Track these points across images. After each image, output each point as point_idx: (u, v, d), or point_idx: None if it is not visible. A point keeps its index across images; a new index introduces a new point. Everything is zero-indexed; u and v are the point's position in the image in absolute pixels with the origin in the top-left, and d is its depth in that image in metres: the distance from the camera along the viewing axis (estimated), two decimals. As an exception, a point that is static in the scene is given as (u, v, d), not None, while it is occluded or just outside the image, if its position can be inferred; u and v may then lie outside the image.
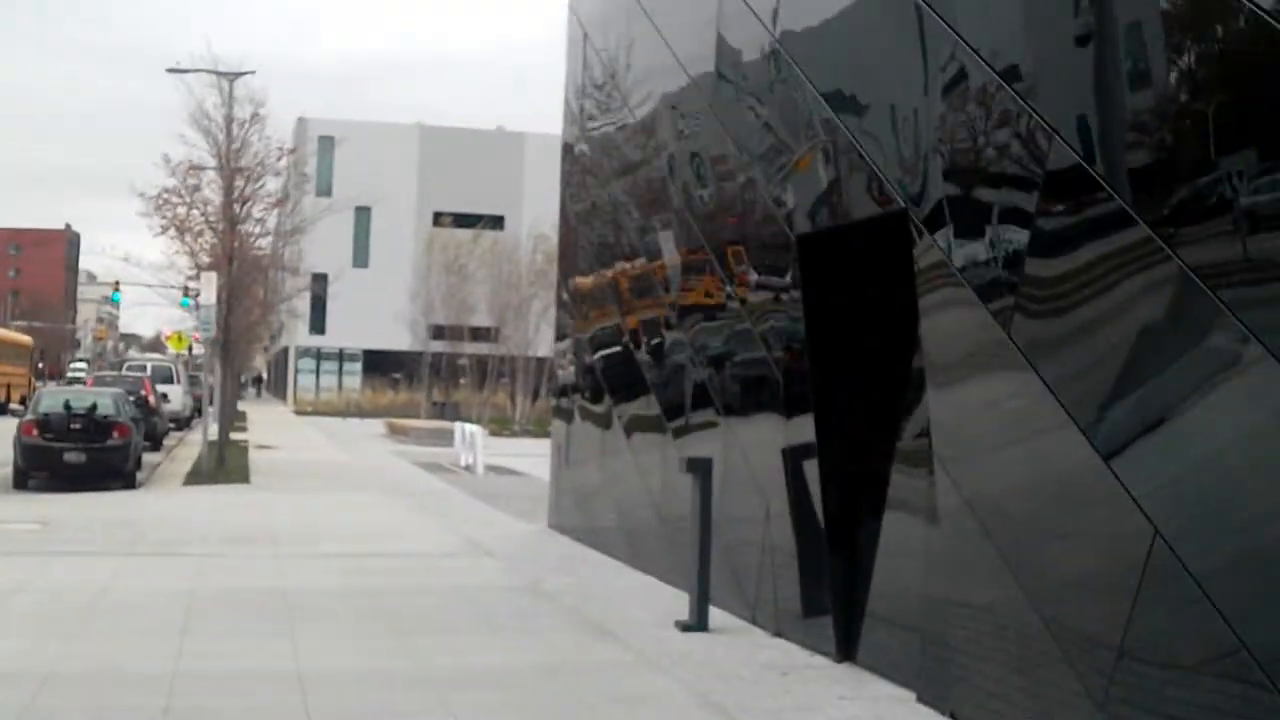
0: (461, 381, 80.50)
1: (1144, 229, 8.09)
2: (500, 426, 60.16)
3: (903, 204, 11.17)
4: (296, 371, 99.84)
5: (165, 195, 38.82)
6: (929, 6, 10.74)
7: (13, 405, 66.65)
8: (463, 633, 13.67)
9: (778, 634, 13.46)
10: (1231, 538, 7.55)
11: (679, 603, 14.29)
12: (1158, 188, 8.15)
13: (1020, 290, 9.39)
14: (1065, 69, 9.20)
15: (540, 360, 66.46)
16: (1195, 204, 7.78)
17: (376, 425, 64.89)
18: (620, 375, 19.53)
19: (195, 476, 33.55)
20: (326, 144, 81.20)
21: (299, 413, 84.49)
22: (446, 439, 46.34)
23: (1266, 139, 7.33)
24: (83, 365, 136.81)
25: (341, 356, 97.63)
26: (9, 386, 73.11)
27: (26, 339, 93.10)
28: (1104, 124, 8.81)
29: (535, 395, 68.89)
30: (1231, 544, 7.55)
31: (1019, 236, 9.46)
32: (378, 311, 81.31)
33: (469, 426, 42.10)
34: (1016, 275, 9.46)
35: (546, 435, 47.99)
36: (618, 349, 19.77)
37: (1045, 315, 9.23)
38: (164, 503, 27.40)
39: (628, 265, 19.34)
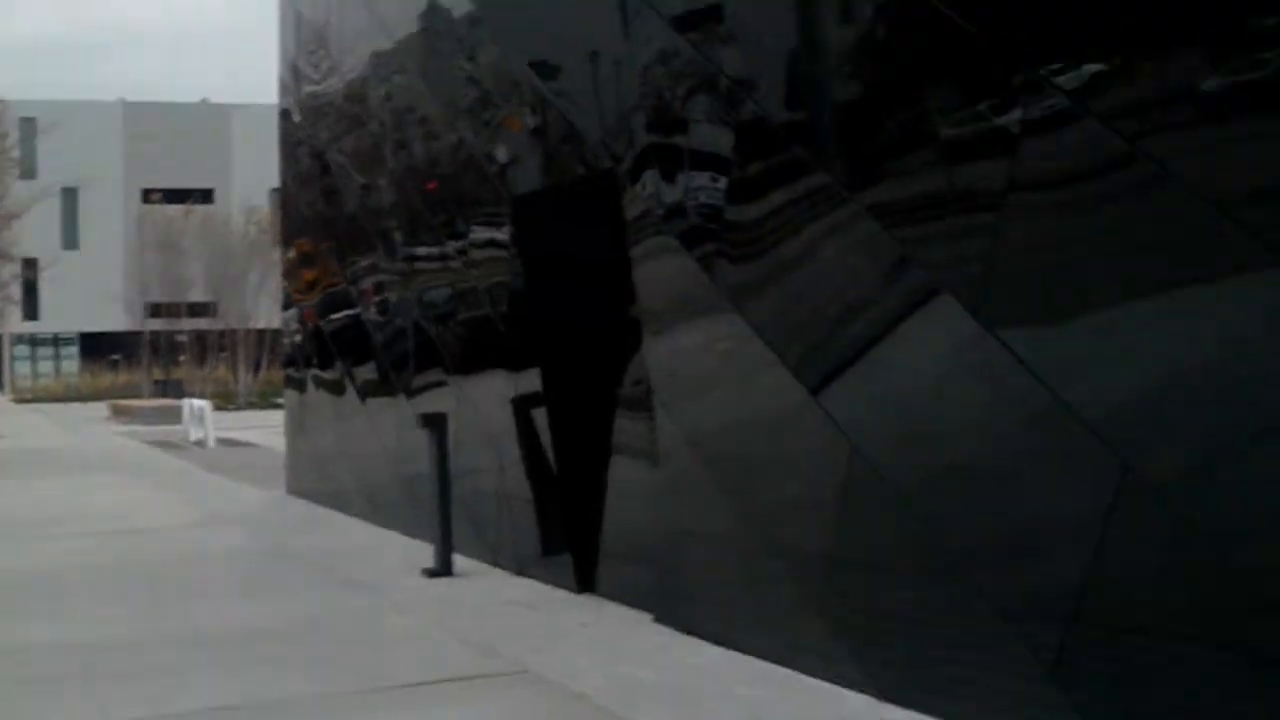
0: (182, 358, 79.36)
1: (825, 175, 8.95)
2: (225, 401, 59.60)
3: (609, 162, 11.91)
4: (13, 359, 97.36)
5: None
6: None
7: None
8: (221, 596, 13.96)
9: (520, 573, 14.10)
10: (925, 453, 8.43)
11: (423, 553, 14.80)
12: (837, 138, 9.03)
13: (721, 236, 10.19)
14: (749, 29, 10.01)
15: (260, 332, 65.97)
16: (870, 150, 8.67)
17: (100, 408, 63.72)
18: (350, 339, 19.88)
19: (-79, 473, 32.99)
20: (29, 126, 79.10)
21: (19, 401, 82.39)
22: (173, 417, 45.87)
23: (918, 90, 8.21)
24: None
25: (57, 341, 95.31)
26: None
27: None
28: (786, 78, 9.68)
29: (257, 367, 68.33)
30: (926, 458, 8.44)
31: (718, 185, 10.27)
32: (92, 293, 79.58)
33: (196, 402, 41.80)
34: (716, 223, 10.26)
35: (272, 407, 48.18)
36: (345, 313, 20.13)
37: (745, 259, 10.02)
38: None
39: (350, 229, 19.69)
